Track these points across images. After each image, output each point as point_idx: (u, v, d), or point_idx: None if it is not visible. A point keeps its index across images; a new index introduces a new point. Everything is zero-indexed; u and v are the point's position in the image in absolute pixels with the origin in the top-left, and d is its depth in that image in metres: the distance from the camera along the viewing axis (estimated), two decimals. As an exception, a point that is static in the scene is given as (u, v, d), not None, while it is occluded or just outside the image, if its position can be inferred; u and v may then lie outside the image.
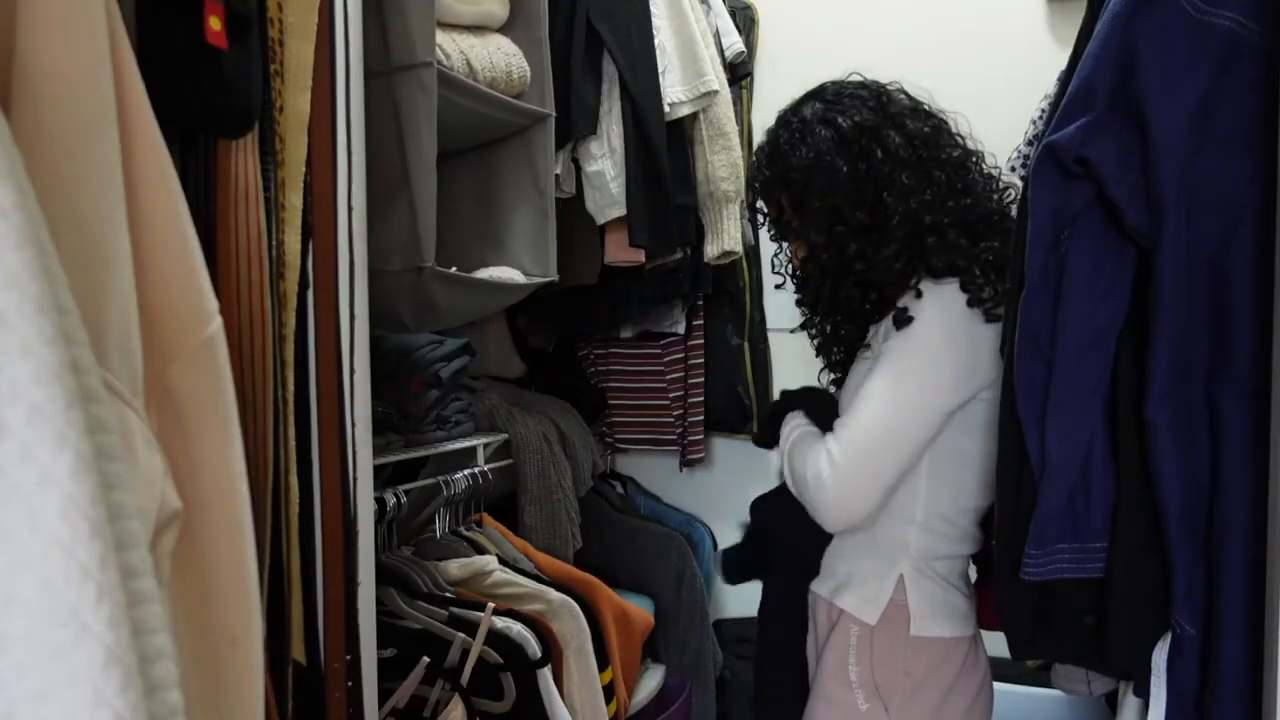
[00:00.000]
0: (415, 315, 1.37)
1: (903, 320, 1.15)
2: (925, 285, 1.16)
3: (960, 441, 1.16)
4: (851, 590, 1.22)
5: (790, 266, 1.41)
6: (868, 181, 1.19)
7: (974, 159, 1.24)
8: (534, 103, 1.53)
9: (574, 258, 1.81)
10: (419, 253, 1.27)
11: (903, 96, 1.25)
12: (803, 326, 1.40)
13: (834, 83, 1.27)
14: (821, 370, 1.41)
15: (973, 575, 1.27)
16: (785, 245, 1.40)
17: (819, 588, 1.29)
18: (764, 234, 2.46)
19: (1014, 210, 1.21)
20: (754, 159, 1.34)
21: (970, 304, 1.13)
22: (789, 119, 1.26)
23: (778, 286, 1.48)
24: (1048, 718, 1.21)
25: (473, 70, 1.40)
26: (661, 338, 2.18)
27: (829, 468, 1.14)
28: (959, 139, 1.25)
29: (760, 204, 1.38)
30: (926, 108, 1.25)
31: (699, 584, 2.04)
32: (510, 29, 1.53)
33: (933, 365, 1.13)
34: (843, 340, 1.35)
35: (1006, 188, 1.25)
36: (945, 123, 1.25)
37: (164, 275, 0.58)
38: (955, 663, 1.19)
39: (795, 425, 1.28)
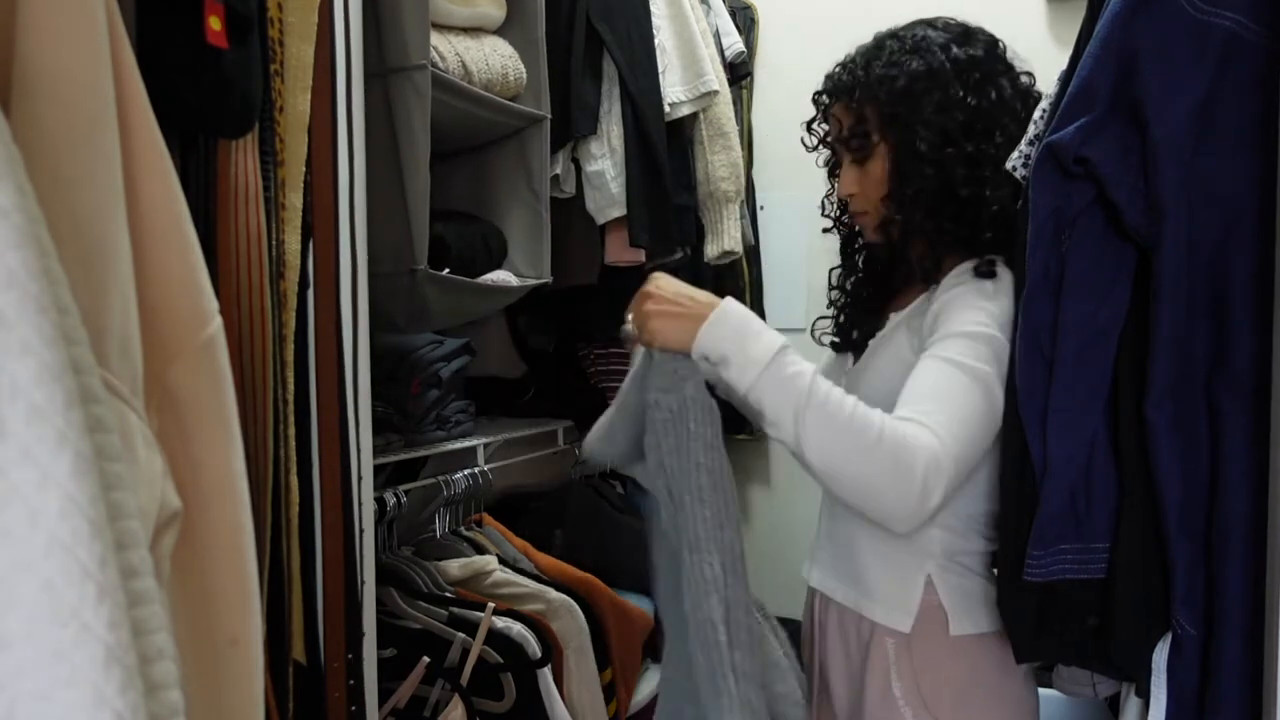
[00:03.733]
0: (408, 317, 1.37)
1: (986, 273, 1.05)
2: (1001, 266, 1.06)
3: None
4: (877, 599, 1.12)
5: (837, 209, 1.28)
6: (979, 115, 1.08)
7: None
8: (530, 105, 1.54)
9: (574, 258, 1.81)
10: (412, 255, 1.27)
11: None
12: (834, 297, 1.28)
13: (942, 17, 1.17)
14: (824, 332, 1.31)
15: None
16: (834, 184, 1.24)
17: (833, 591, 1.18)
18: (764, 221, 2.46)
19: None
20: (838, 66, 1.18)
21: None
22: (899, 33, 1.15)
23: (825, 230, 1.32)
24: (1047, 718, 1.19)
25: (468, 72, 1.40)
26: (661, 338, 2.18)
27: (934, 440, 0.92)
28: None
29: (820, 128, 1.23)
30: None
31: (699, 584, 2.03)
32: (506, 31, 1.54)
33: (1004, 347, 0.99)
34: (869, 307, 1.24)
35: None
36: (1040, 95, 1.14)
37: (164, 275, 0.58)
38: (998, 659, 1.08)
39: (801, 364, 0.99)
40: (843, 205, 1.26)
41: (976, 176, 1.07)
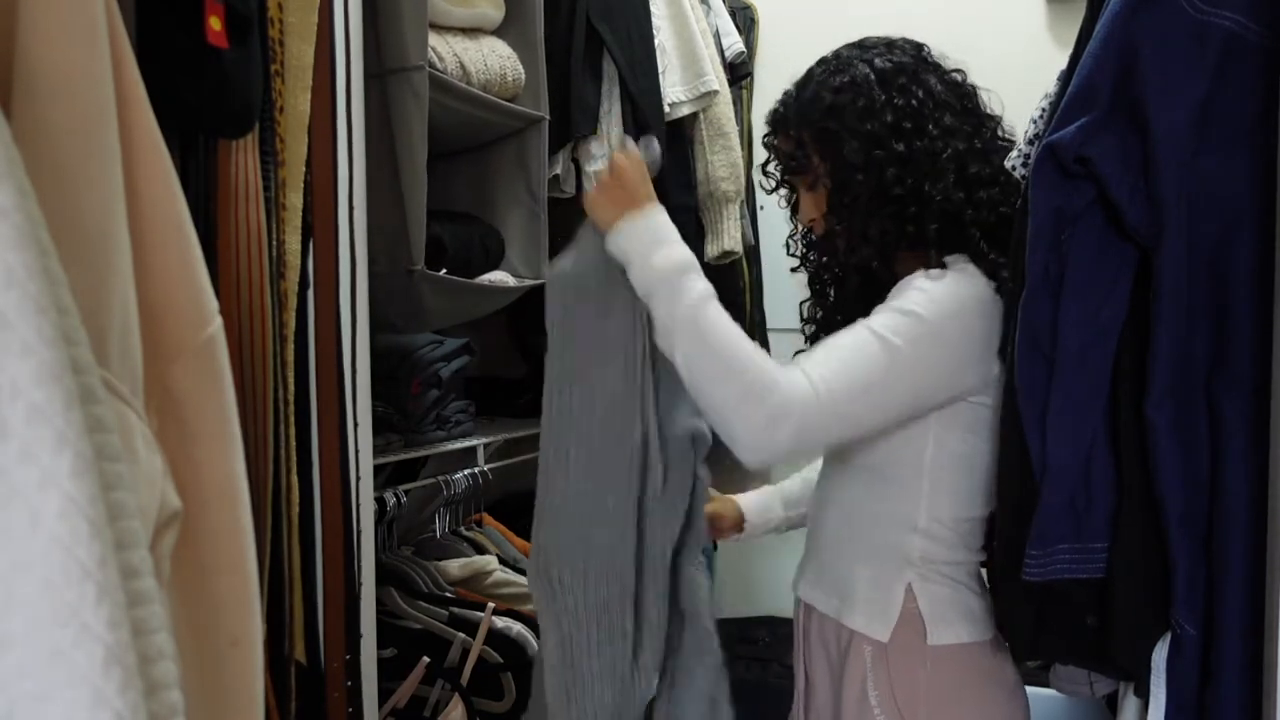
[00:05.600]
0: (405, 317, 1.37)
1: (934, 274, 1.06)
2: (950, 259, 1.07)
3: (960, 445, 1.08)
4: (858, 608, 1.12)
5: (802, 245, 1.30)
6: (906, 115, 1.10)
7: (994, 125, 1.17)
8: (528, 105, 1.54)
9: (574, 258, 1.81)
10: (409, 255, 1.27)
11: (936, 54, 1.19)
12: (807, 317, 1.29)
13: (870, 36, 1.20)
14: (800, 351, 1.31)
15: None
16: (795, 218, 1.27)
17: (816, 601, 1.19)
18: (764, 221, 2.47)
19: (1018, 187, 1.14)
20: (777, 102, 1.21)
21: (994, 288, 1.04)
22: (824, 58, 1.19)
23: (793, 270, 1.34)
24: (1047, 718, 1.19)
25: (466, 73, 1.40)
26: (661, 337, 2.17)
27: (804, 381, 0.97)
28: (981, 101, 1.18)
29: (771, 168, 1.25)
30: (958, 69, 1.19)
31: (699, 584, 2.03)
32: (505, 31, 1.54)
33: (944, 339, 1.03)
34: (834, 322, 1.23)
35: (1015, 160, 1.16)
36: (975, 87, 1.19)
37: (164, 275, 0.58)
38: (979, 671, 1.10)
39: (702, 284, 1.04)
40: (808, 239, 1.28)
41: (909, 174, 1.09)
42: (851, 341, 1.03)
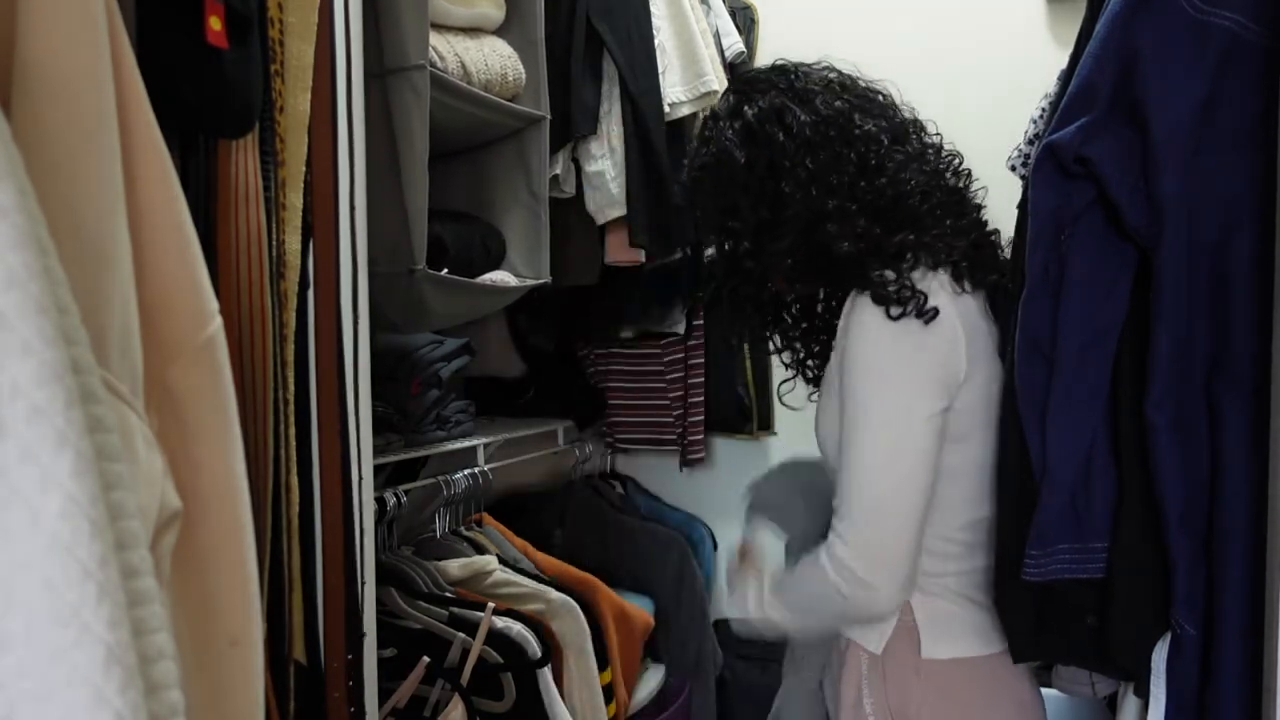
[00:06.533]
0: (406, 317, 1.37)
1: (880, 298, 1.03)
2: (854, 299, 1.04)
3: (950, 458, 1.04)
4: None
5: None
6: (768, 172, 1.09)
7: (908, 129, 1.13)
8: (529, 105, 1.54)
9: (574, 258, 1.81)
10: (410, 255, 1.27)
11: (825, 72, 1.15)
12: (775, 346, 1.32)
13: (754, 69, 1.20)
14: (809, 392, 1.31)
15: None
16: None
17: None
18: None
19: (954, 181, 1.14)
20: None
21: (887, 314, 1.00)
22: (706, 118, 1.20)
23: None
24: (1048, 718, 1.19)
25: (467, 73, 1.40)
26: (661, 338, 2.18)
27: (839, 545, 1.00)
28: (889, 111, 1.14)
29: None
30: (849, 81, 1.15)
31: (699, 584, 2.04)
32: (506, 31, 1.54)
33: (893, 383, 1.01)
34: (811, 353, 1.27)
35: (951, 157, 1.15)
36: (872, 95, 1.15)
37: (164, 275, 0.58)
38: (978, 686, 1.07)
39: (752, 583, 1.16)
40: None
41: (763, 237, 1.12)
42: (847, 456, 1.02)
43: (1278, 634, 0.70)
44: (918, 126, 1.15)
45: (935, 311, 1.00)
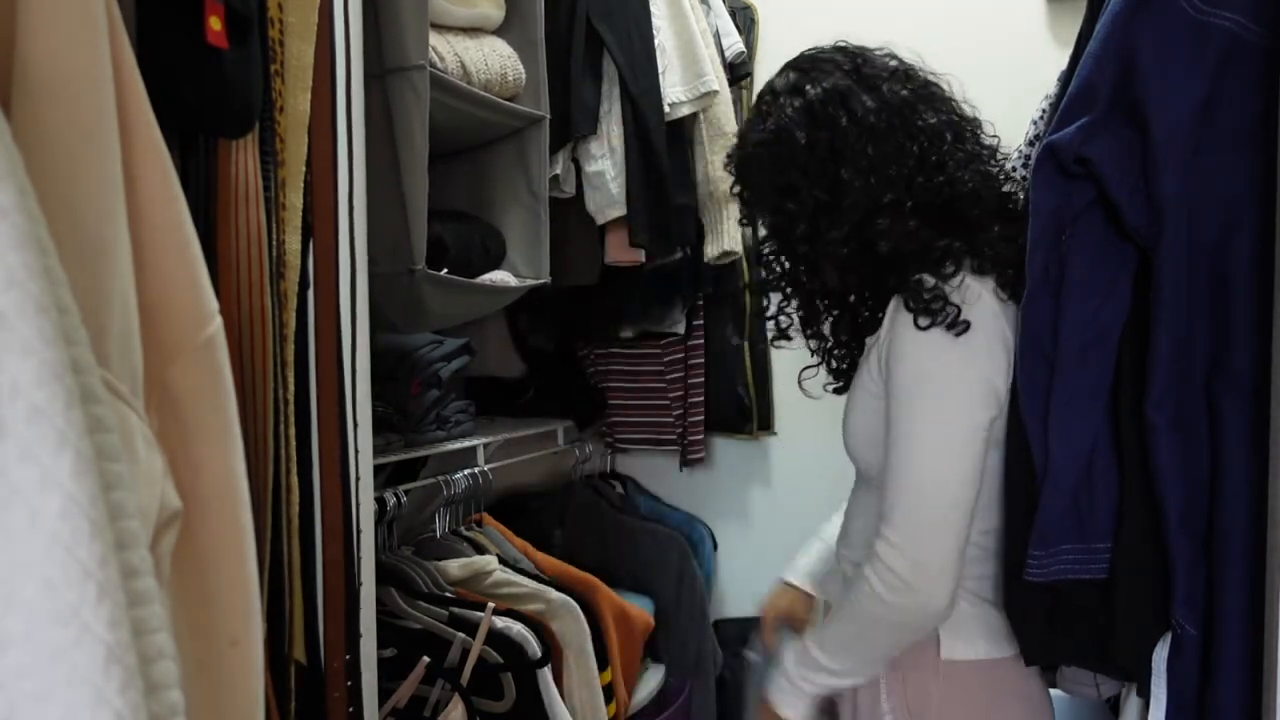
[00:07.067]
0: (405, 317, 1.37)
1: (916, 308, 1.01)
2: (897, 304, 1.03)
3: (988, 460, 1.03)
4: None
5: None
6: (829, 155, 1.06)
7: (968, 128, 1.11)
8: (529, 105, 1.53)
9: (574, 258, 1.81)
10: (410, 255, 1.27)
11: (887, 59, 1.12)
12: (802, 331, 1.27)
13: (814, 48, 1.16)
14: (824, 381, 1.30)
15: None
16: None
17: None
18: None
19: (1006, 186, 1.11)
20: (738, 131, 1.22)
21: (915, 320, 0.99)
22: (762, 93, 1.16)
23: (774, 343, 1.31)
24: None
25: (467, 72, 1.40)
26: (661, 338, 2.18)
27: (885, 548, 0.98)
28: (950, 105, 1.11)
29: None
30: (912, 70, 1.12)
31: (699, 584, 2.04)
32: (505, 31, 1.54)
33: (947, 394, 1.00)
34: (839, 343, 1.23)
35: (1005, 159, 1.12)
36: (935, 86, 1.12)
37: (164, 275, 0.58)
38: (996, 688, 1.07)
39: (798, 657, 1.10)
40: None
41: (821, 222, 1.08)
42: (892, 464, 1.01)
43: (1278, 634, 0.70)
44: (975, 125, 1.13)
45: (967, 325, 0.98)
